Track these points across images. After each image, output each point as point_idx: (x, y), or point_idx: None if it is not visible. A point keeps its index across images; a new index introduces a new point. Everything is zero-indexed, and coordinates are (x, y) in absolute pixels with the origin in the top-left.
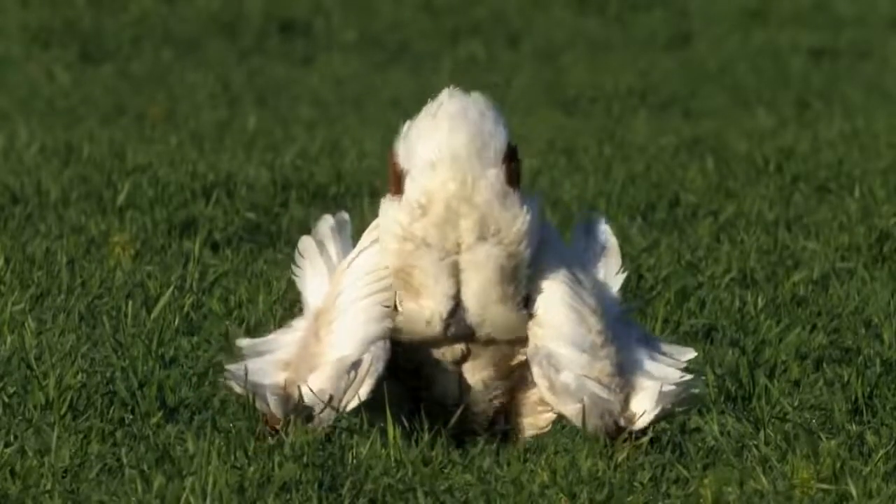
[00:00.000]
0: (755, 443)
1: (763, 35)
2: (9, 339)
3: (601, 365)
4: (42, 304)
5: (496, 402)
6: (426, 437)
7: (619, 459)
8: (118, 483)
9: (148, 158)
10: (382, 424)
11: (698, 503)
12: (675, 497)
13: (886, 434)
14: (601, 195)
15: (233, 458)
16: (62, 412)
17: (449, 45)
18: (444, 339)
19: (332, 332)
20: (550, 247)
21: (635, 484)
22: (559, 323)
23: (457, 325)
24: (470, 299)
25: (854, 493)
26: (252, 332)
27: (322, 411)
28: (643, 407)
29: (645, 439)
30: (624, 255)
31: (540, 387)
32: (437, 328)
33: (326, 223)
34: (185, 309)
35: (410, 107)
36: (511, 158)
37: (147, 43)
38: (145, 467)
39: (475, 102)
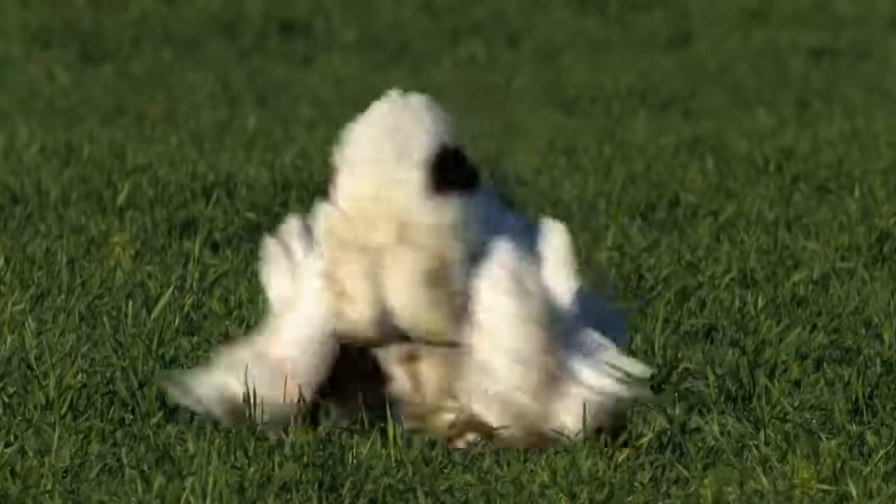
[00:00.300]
0: (755, 443)
1: (763, 35)
2: (9, 339)
3: (535, 376)
4: (42, 304)
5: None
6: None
7: (620, 460)
8: (118, 483)
9: (148, 158)
10: (382, 424)
11: (698, 503)
12: (675, 497)
13: (887, 434)
14: (601, 195)
15: (233, 458)
16: (62, 412)
17: (449, 45)
18: (387, 340)
19: (276, 333)
20: (500, 250)
21: (635, 484)
22: (497, 331)
23: (387, 329)
24: (396, 304)
25: (854, 493)
26: (252, 331)
27: (262, 413)
28: (571, 418)
29: (644, 440)
30: (624, 255)
31: (472, 394)
32: (368, 332)
33: (292, 225)
34: (186, 309)
35: None
36: (443, 162)
37: (147, 43)
38: (145, 467)
39: (408, 105)
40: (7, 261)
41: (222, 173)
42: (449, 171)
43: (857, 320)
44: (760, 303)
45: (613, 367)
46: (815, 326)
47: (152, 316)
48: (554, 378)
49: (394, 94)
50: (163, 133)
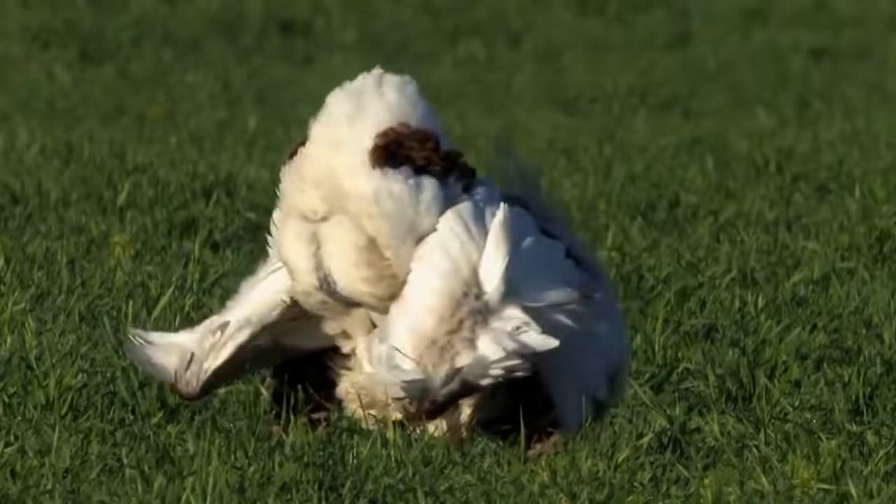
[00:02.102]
0: (755, 443)
1: (763, 35)
2: (9, 339)
3: (433, 356)
4: (42, 304)
5: None
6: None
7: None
8: (119, 483)
9: (148, 158)
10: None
11: (698, 503)
12: (676, 497)
13: (887, 434)
14: (601, 195)
15: (233, 458)
16: (62, 412)
17: (449, 45)
18: (335, 307)
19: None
20: (443, 230)
21: (635, 484)
22: (410, 306)
23: (333, 296)
24: (333, 273)
25: (854, 493)
26: None
27: (186, 370)
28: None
29: (644, 440)
30: (624, 255)
31: (366, 356)
32: (311, 299)
33: None
34: (186, 309)
35: None
36: (399, 140)
37: (147, 43)
38: (146, 467)
39: (381, 81)
40: (7, 261)
41: (222, 173)
42: (404, 150)
43: (857, 320)
44: (760, 303)
45: (516, 340)
46: (815, 326)
47: (152, 316)
48: (445, 350)
49: (375, 70)
50: (163, 133)
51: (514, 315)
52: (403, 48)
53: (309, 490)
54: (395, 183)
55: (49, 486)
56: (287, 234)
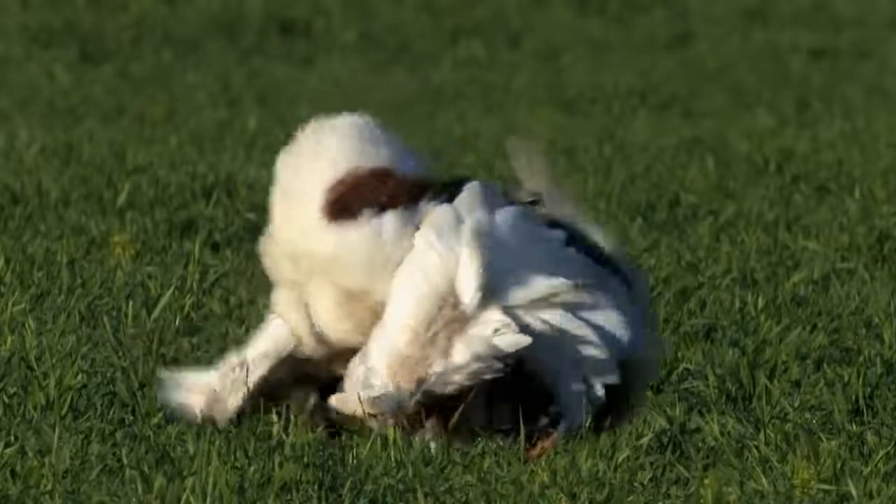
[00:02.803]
0: (755, 443)
1: (763, 35)
2: (9, 340)
3: (406, 372)
4: (42, 304)
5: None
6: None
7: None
8: (119, 483)
9: (148, 159)
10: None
11: (698, 503)
12: (675, 497)
13: (887, 434)
14: (601, 195)
15: (233, 458)
16: (62, 413)
17: (449, 45)
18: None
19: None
20: (418, 246)
21: (635, 484)
22: (386, 327)
23: (334, 348)
24: (324, 330)
25: (854, 493)
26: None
27: (211, 408)
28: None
29: (644, 440)
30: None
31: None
32: (315, 354)
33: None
34: (186, 309)
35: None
36: (355, 187)
37: (147, 43)
38: (146, 468)
39: (320, 135)
40: (7, 261)
41: (222, 173)
42: (360, 195)
43: (857, 320)
44: (760, 303)
45: (488, 350)
46: (815, 326)
47: (152, 316)
48: (419, 364)
49: (313, 122)
50: (163, 133)
51: (492, 318)
52: (403, 48)
53: (309, 490)
54: (352, 233)
55: (49, 487)
56: (281, 302)
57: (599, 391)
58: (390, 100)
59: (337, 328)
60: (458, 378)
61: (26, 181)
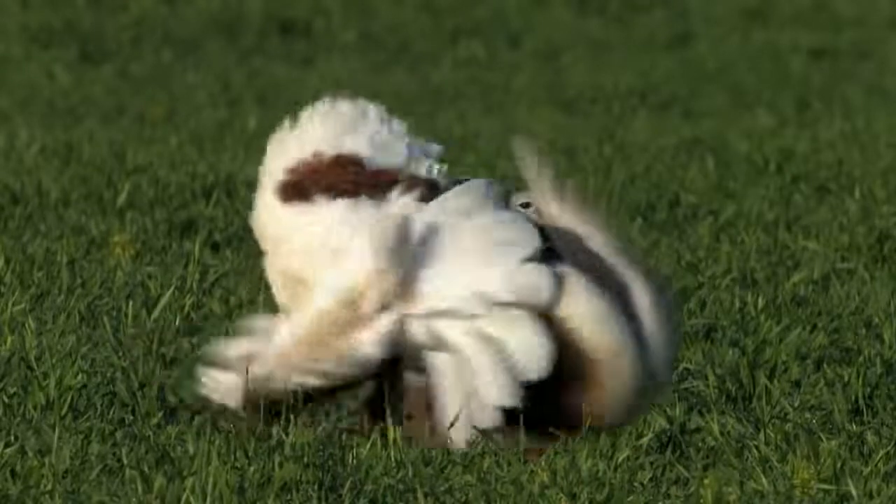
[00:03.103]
0: (755, 443)
1: (763, 35)
2: (9, 340)
3: (284, 370)
4: (42, 304)
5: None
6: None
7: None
8: (118, 483)
9: (148, 159)
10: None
11: (698, 503)
12: (675, 497)
13: (887, 434)
14: (601, 195)
15: (233, 458)
16: (62, 413)
17: (449, 45)
18: None
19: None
20: (353, 250)
21: (635, 484)
22: (284, 325)
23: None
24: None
25: (854, 493)
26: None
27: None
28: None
29: (644, 440)
30: None
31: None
32: None
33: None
34: (186, 309)
35: (410, 107)
36: (309, 169)
37: (147, 43)
38: (146, 468)
39: (310, 116)
40: (7, 261)
41: (222, 173)
42: (319, 179)
43: (857, 320)
44: (760, 303)
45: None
46: (815, 326)
47: (152, 316)
48: (300, 367)
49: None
50: (163, 133)
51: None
52: (403, 48)
53: (309, 490)
54: (298, 217)
55: (49, 487)
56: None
57: (487, 414)
58: (390, 100)
59: (289, 310)
60: (315, 379)
61: (26, 181)
